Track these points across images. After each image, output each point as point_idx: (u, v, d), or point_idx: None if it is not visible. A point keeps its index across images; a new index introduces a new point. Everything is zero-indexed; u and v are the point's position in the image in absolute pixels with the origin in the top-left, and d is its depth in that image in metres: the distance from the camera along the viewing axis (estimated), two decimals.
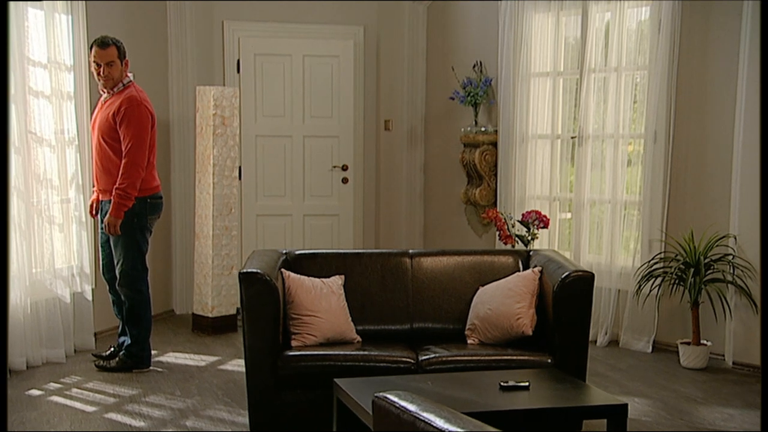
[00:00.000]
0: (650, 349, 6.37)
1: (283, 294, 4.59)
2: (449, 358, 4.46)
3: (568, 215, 7.09)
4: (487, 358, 4.46)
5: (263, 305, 4.40)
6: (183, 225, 7.39)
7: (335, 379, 3.95)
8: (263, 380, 4.40)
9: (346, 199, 8.05)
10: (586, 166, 6.75)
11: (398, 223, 8.08)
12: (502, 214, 6.48)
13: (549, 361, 4.42)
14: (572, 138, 6.86)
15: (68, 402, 5.14)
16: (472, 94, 7.27)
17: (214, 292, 6.78)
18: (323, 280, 4.81)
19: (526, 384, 3.84)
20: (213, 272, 6.77)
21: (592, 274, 4.53)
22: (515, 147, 7.13)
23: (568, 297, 4.47)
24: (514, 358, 4.44)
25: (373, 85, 8.08)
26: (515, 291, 4.70)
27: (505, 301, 4.67)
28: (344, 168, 7.98)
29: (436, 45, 7.87)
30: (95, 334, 6.32)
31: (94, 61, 5.55)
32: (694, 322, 6.01)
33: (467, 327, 4.81)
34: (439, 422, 2.12)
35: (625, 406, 3.68)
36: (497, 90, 7.26)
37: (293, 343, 4.56)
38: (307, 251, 5.09)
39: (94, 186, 5.84)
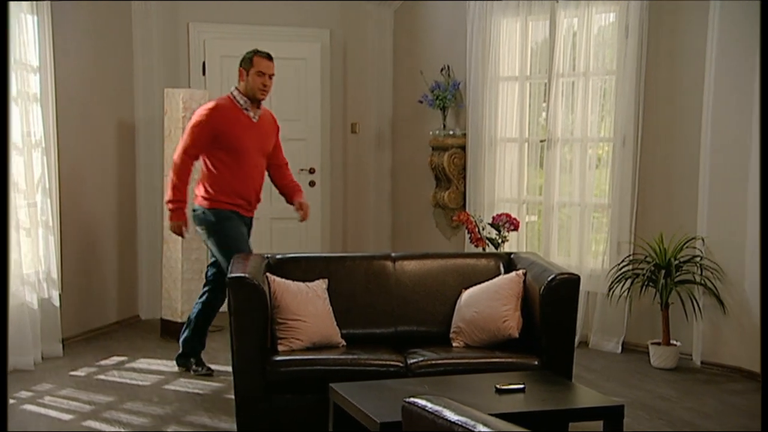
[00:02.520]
0: (620, 350, 6.46)
1: (269, 298, 4.55)
2: (438, 361, 4.46)
3: (534, 218, 7.17)
4: (475, 360, 4.47)
5: (252, 310, 4.35)
6: (149, 228, 7.26)
7: (331, 384, 3.92)
8: (252, 385, 4.35)
9: (314, 203, 7.93)
10: (555, 170, 6.82)
11: (366, 227, 8.06)
12: (473, 217, 6.53)
13: (536, 363, 4.45)
14: (541, 142, 6.92)
15: (43, 410, 5.04)
16: (440, 97, 7.29)
17: (184, 297, 6.68)
18: (308, 284, 4.78)
19: (522, 386, 3.86)
20: (182, 276, 6.67)
21: (578, 277, 4.57)
22: (484, 150, 7.17)
23: (555, 299, 4.51)
24: (502, 360, 4.46)
25: (340, 88, 8.04)
26: (501, 294, 4.72)
27: (491, 303, 4.69)
28: (311, 171, 7.93)
29: (403, 48, 7.87)
30: (63, 341, 6.19)
31: (261, 72, 5.40)
32: (665, 323, 6.10)
33: (452, 330, 4.81)
34: (480, 427, 2.12)
35: (622, 407, 3.72)
36: (465, 94, 7.29)
37: (280, 348, 4.52)
38: (290, 255, 5.04)
39: (239, 207, 5.69)
